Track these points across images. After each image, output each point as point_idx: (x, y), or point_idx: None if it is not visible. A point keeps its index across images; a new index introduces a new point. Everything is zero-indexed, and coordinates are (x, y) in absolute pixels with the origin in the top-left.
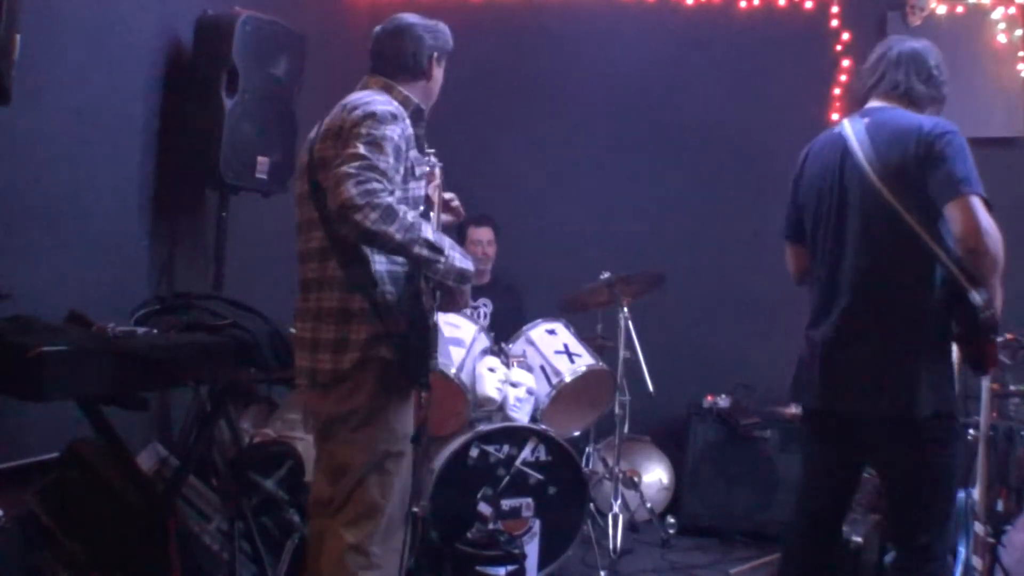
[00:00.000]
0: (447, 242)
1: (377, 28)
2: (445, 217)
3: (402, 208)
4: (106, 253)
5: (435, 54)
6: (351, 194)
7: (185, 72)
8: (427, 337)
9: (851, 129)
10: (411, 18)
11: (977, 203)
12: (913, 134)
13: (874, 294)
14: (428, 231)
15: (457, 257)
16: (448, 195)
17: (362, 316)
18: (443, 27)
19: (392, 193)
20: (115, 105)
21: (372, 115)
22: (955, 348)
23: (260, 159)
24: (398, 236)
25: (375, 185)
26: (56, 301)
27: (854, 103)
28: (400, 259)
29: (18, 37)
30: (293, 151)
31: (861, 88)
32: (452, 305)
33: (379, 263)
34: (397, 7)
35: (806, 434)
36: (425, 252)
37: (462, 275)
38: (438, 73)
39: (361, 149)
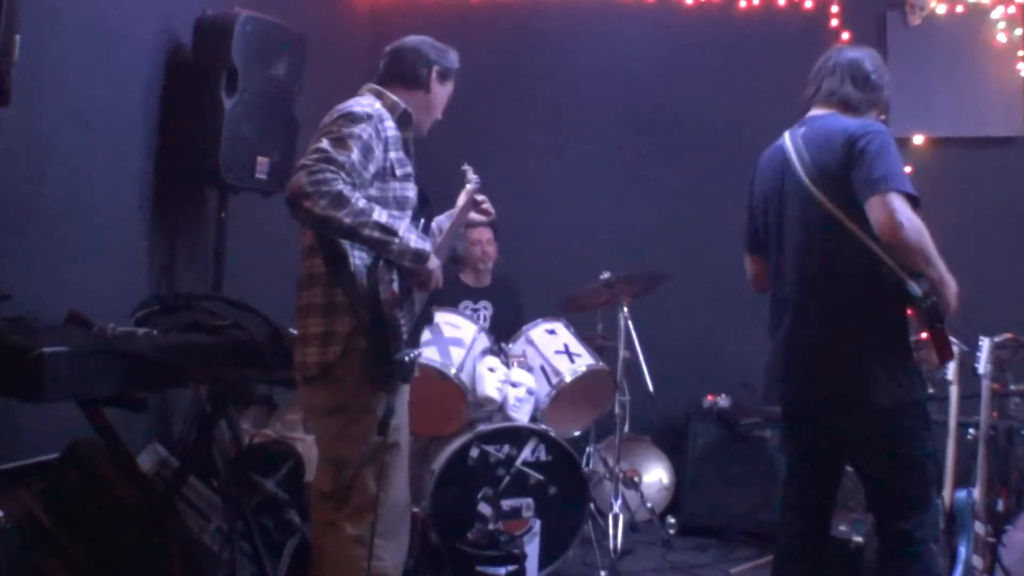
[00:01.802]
0: (403, 225)
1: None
2: (477, 217)
3: (355, 195)
4: (106, 253)
5: (436, 68)
6: (301, 183)
7: (185, 72)
8: (384, 329)
9: (789, 140)
10: (420, 37)
11: (894, 199)
12: (839, 137)
13: (818, 293)
14: (382, 215)
15: (412, 239)
16: (480, 197)
17: (345, 310)
18: (452, 51)
19: (353, 186)
20: (115, 105)
21: (345, 115)
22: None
23: (260, 159)
24: (347, 220)
25: (327, 175)
26: (56, 301)
27: (802, 113)
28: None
29: (18, 38)
30: (293, 151)
31: (804, 98)
32: (421, 287)
33: (358, 257)
34: (397, 7)
35: (786, 433)
36: (376, 234)
37: (417, 255)
38: (439, 90)
39: (323, 144)
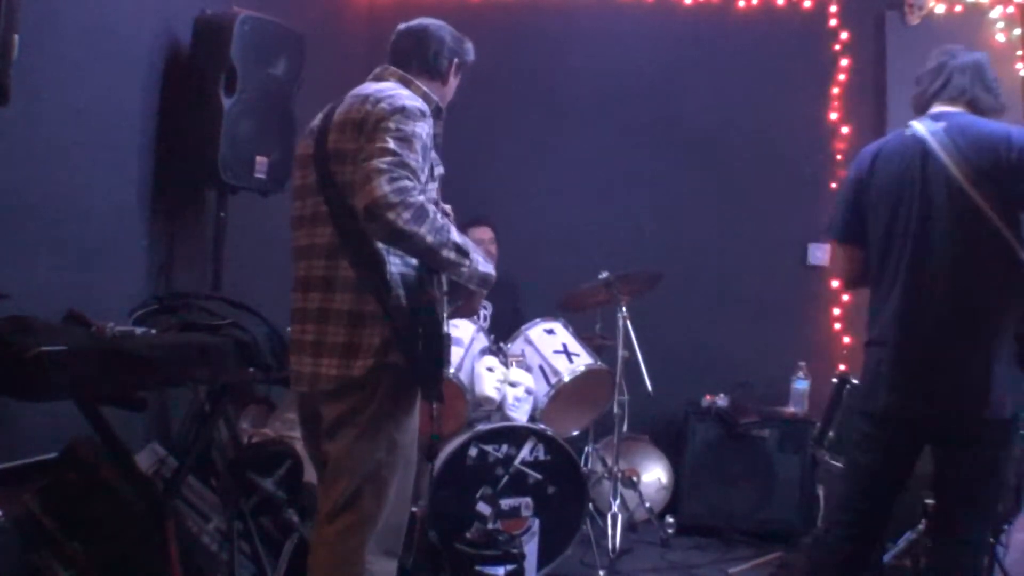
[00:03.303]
0: (471, 245)
1: (401, 25)
2: None
3: (431, 208)
4: (105, 253)
5: (456, 60)
6: (384, 191)
7: (184, 72)
8: (439, 346)
9: (928, 132)
10: (438, 22)
11: None
12: (1002, 142)
13: (963, 297)
14: (455, 233)
15: (480, 261)
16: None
17: (375, 320)
18: (468, 41)
19: (422, 192)
20: (114, 105)
21: (402, 109)
22: None
23: (259, 159)
24: (429, 238)
25: (407, 183)
26: (55, 301)
27: (915, 107)
28: (413, 261)
29: (17, 37)
30: (292, 151)
31: (923, 93)
32: (467, 311)
33: (393, 264)
34: (396, 7)
35: (868, 437)
36: (453, 256)
37: (485, 279)
38: (453, 82)
39: (391, 144)
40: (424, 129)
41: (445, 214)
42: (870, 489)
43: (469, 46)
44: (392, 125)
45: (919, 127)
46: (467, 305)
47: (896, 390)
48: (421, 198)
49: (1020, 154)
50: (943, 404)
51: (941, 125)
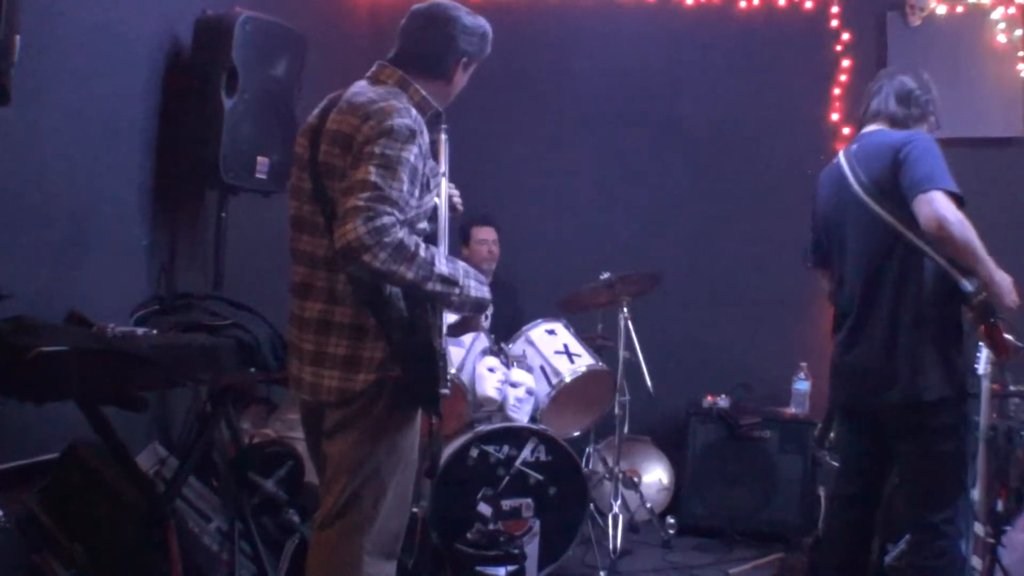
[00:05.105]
0: (461, 270)
1: (415, 6)
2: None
3: (413, 240)
4: (106, 253)
5: (464, 59)
6: (359, 234)
7: (185, 72)
8: (434, 361)
9: (844, 157)
10: (453, 11)
11: (937, 196)
12: (887, 147)
13: (873, 295)
14: (442, 263)
15: (472, 286)
16: (454, 191)
17: (376, 334)
18: (485, 30)
19: (405, 223)
20: (115, 105)
21: (389, 131)
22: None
23: (260, 159)
24: (409, 275)
25: (385, 220)
26: (56, 301)
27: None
28: None
29: (18, 38)
30: (293, 152)
31: (858, 120)
32: (464, 330)
33: None
34: (397, 7)
35: (840, 428)
36: (439, 287)
37: (478, 304)
38: (461, 78)
39: (372, 175)
40: (413, 152)
41: (451, 201)
42: (850, 472)
43: (483, 35)
44: (377, 150)
45: (840, 154)
46: (464, 325)
47: (839, 384)
48: (400, 234)
49: (896, 155)
50: (868, 394)
51: (854, 148)
